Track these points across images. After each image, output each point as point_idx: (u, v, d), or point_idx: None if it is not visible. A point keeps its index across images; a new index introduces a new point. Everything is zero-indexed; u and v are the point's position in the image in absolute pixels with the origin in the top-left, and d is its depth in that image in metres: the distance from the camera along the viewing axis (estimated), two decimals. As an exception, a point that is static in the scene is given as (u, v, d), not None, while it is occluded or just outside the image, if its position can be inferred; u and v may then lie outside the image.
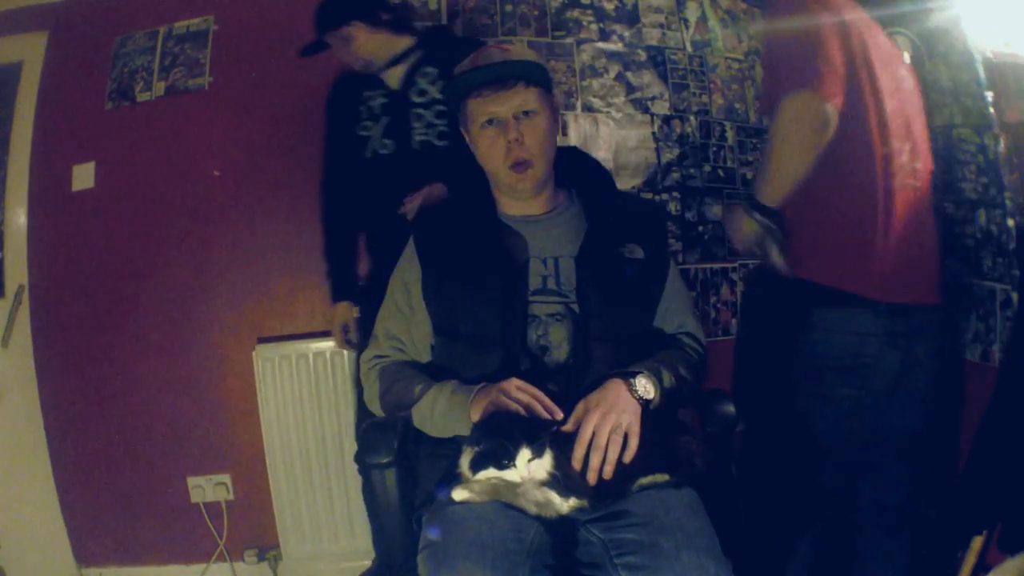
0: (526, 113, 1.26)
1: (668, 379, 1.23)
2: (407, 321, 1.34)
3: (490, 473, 1.04)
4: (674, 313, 1.36)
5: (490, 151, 1.28)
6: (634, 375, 1.18)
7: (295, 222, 2.16)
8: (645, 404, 1.16)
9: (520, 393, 1.11)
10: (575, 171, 1.42)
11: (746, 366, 1.63)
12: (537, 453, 1.04)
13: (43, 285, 2.09)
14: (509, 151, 1.26)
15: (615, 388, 1.15)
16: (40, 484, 2.06)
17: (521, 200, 1.34)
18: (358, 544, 2.08)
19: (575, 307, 1.26)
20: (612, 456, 1.08)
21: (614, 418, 1.10)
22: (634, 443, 1.10)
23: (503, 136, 1.26)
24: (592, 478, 1.07)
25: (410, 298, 1.34)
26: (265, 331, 2.17)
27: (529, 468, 1.03)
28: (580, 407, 1.13)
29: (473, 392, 1.17)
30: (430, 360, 1.34)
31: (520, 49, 1.32)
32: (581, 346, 1.24)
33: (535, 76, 1.28)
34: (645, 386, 1.17)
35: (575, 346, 1.25)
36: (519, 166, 1.27)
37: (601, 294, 1.27)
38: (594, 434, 1.09)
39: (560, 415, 1.11)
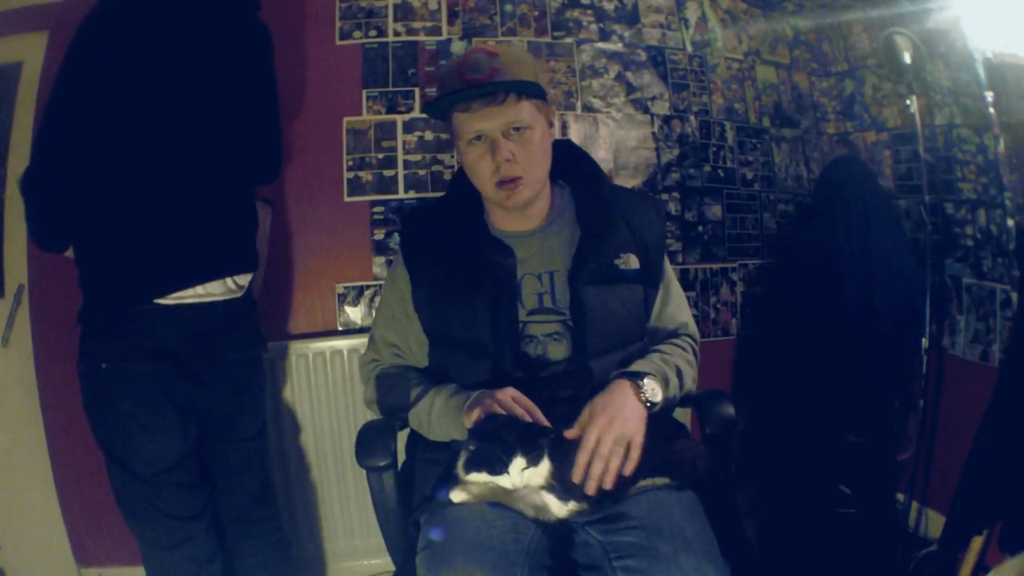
0: (517, 129, 1.20)
1: (673, 381, 1.22)
2: (403, 328, 1.35)
3: (484, 476, 1.04)
4: (675, 312, 1.36)
5: (477, 167, 1.22)
6: (642, 376, 1.15)
7: (290, 221, 2.16)
8: (650, 408, 1.14)
9: (514, 405, 1.10)
10: (567, 166, 1.35)
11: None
12: (533, 463, 1.03)
13: (43, 285, 2.08)
14: (497, 168, 1.20)
15: (622, 392, 1.13)
16: (40, 484, 2.05)
17: (512, 214, 1.29)
18: (358, 544, 2.08)
19: (572, 324, 1.24)
20: (613, 467, 1.07)
21: (619, 426, 1.08)
22: (636, 455, 1.08)
23: (492, 154, 1.20)
24: (591, 488, 1.06)
25: (405, 306, 1.34)
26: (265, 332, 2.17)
27: (523, 477, 1.03)
28: (586, 412, 1.11)
29: (469, 399, 1.16)
30: (427, 365, 1.35)
31: (510, 58, 1.20)
32: (580, 362, 1.23)
33: (527, 89, 1.20)
34: (652, 388, 1.15)
35: (574, 362, 1.23)
36: (507, 183, 1.21)
37: (596, 311, 1.23)
38: (598, 442, 1.07)
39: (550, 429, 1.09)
